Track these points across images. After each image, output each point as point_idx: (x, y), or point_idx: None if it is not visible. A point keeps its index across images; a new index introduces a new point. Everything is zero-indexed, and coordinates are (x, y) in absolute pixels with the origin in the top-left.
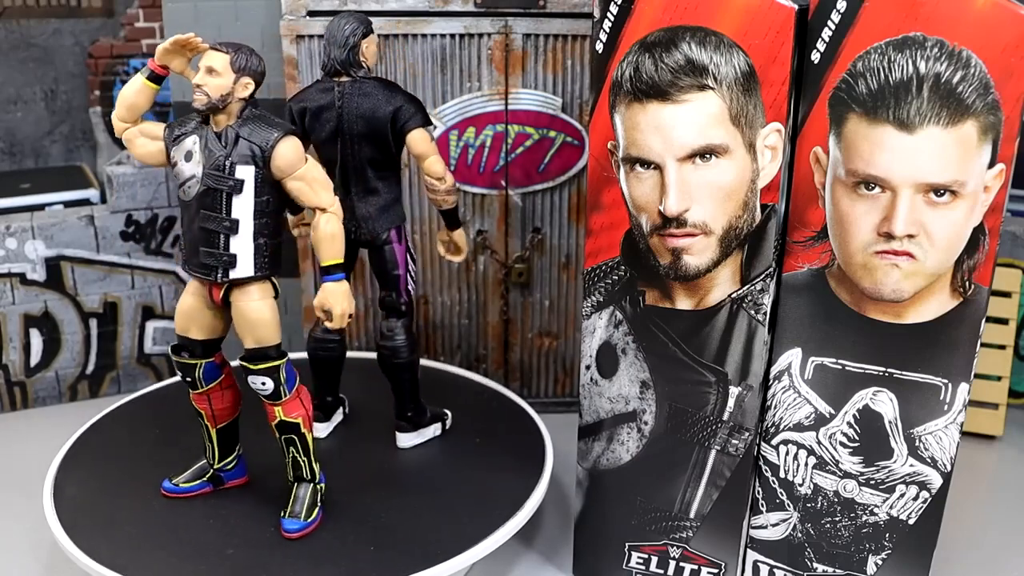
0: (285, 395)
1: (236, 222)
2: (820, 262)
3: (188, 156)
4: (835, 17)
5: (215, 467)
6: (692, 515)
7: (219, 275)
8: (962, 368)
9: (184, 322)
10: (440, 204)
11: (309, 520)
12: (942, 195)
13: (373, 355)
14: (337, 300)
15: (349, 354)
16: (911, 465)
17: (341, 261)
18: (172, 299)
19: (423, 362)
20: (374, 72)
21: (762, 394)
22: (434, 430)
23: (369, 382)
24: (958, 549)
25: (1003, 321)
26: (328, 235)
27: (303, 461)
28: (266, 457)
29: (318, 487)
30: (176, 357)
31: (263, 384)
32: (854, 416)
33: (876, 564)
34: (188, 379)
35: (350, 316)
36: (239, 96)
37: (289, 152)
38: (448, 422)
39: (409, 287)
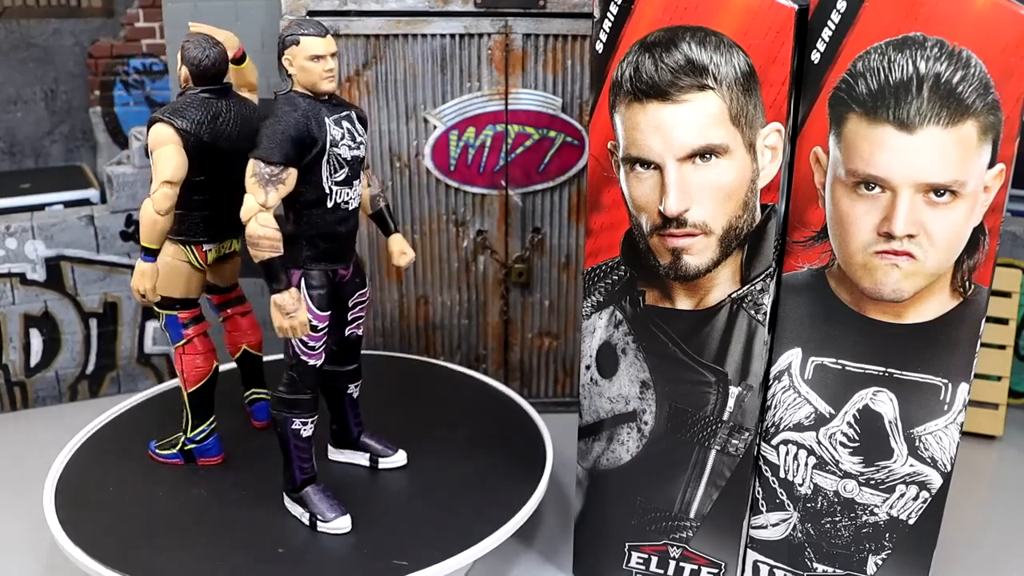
0: (170, 342)
1: None
2: (820, 262)
3: None
4: (835, 17)
5: (187, 436)
6: (692, 515)
7: None
8: (962, 368)
9: None
10: None
11: (159, 452)
12: (942, 195)
13: (381, 352)
14: (135, 277)
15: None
16: (911, 465)
17: (148, 245)
18: None
19: (422, 359)
20: (334, 88)
21: (762, 394)
22: (301, 513)
23: (379, 380)
24: (958, 549)
25: (1003, 321)
26: (139, 217)
27: (184, 410)
28: (267, 461)
29: (183, 438)
30: None
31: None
32: (854, 416)
33: (876, 564)
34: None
35: (143, 295)
36: (182, 82)
37: (150, 136)
38: (320, 526)
39: (296, 344)
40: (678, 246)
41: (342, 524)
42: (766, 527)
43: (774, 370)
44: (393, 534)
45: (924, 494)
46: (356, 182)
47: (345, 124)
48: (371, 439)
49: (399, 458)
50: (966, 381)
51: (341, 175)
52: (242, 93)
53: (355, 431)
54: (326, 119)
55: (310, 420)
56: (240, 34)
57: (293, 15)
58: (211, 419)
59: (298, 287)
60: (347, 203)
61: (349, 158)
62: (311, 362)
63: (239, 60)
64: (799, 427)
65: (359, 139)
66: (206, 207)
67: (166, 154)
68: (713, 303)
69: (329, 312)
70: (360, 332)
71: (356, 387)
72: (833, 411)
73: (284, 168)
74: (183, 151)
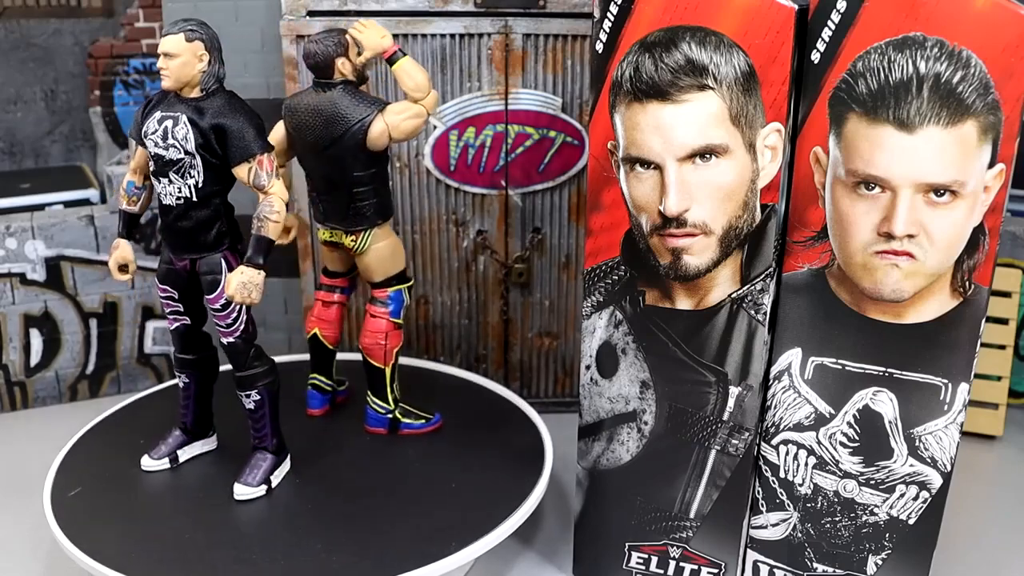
0: None
1: None
2: (820, 262)
3: None
4: (835, 17)
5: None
6: (692, 515)
7: None
8: (962, 368)
9: None
10: None
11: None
12: (942, 195)
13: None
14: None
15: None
16: (911, 465)
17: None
18: None
19: (421, 363)
20: (167, 86)
21: (762, 394)
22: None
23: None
24: (958, 549)
25: (1003, 321)
26: None
27: None
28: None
29: None
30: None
31: None
32: (854, 416)
33: (876, 564)
34: None
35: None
36: None
37: None
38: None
39: None
40: (678, 246)
41: (145, 462)
42: (766, 527)
43: (774, 370)
44: (393, 533)
45: (924, 494)
46: (166, 180)
47: (166, 123)
48: (251, 460)
49: (237, 490)
50: (966, 381)
51: (152, 166)
52: (403, 101)
53: (252, 440)
54: (154, 112)
55: (177, 374)
56: (240, 34)
57: (293, 15)
58: (310, 374)
59: None
60: (162, 195)
61: (153, 153)
62: (168, 324)
63: (391, 61)
64: (799, 427)
65: (171, 141)
66: (312, 188)
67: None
68: (713, 303)
69: (167, 287)
70: (224, 340)
71: (245, 398)
72: (833, 411)
73: (134, 143)
74: (284, 127)
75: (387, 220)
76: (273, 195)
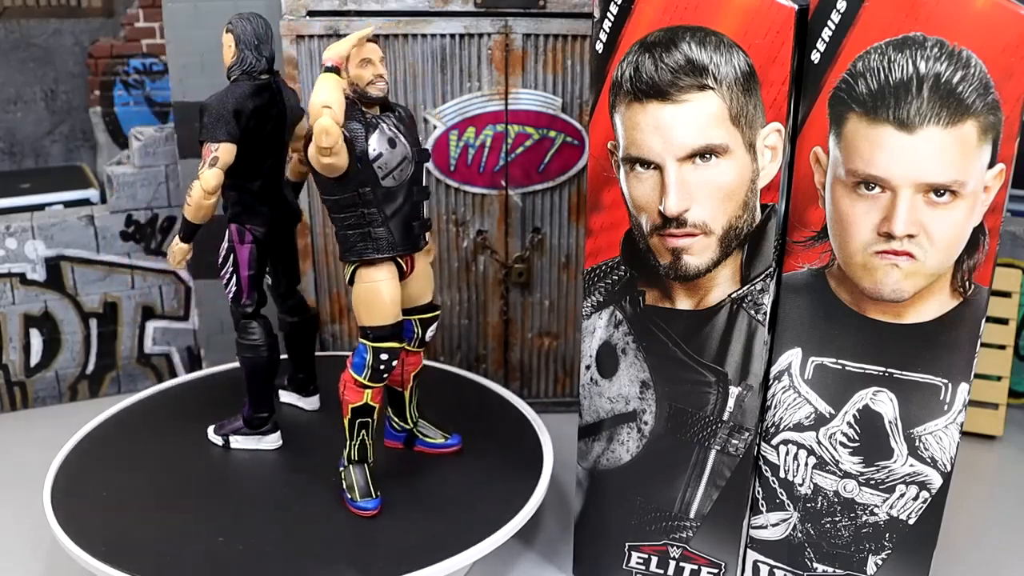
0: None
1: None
2: (820, 262)
3: (392, 143)
4: (835, 17)
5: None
6: (692, 515)
7: (422, 240)
8: (962, 368)
9: (396, 308)
10: None
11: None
12: (942, 195)
13: None
14: None
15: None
16: (911, 465)
17: None
18: (172, 299)
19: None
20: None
21: (762, 394)
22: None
23: None
24: (958, 549)
25: (1003, 321)
26: None
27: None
28: (268, 464)
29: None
30: (392, 344)
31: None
32: (854, 416)
33: (876, 564)
34: (394, 363)
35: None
36: None
37: None
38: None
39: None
40: (678, 246)
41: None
42: (766, 527)
43: (774, 370)
44: (393, 534)
45: (924, 494)
46: None
47: None
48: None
49: (209, 430)
50: (966, 381)
51: None
52: None
53: None
54: None
55: None
56: None
57: (293, 15)
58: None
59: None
60: None
61: None
62: None
63: None
64: (799, 427)
65: None
66: None
67: None
68: (713, 303)
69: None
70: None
71: None
72: (833, 411)
73: None
74: None
75: (360, 263)
76: (195, 181)
